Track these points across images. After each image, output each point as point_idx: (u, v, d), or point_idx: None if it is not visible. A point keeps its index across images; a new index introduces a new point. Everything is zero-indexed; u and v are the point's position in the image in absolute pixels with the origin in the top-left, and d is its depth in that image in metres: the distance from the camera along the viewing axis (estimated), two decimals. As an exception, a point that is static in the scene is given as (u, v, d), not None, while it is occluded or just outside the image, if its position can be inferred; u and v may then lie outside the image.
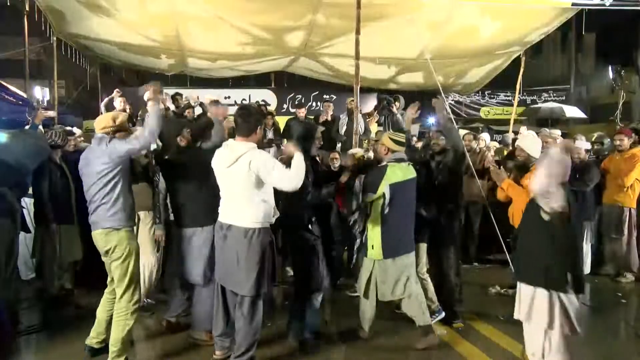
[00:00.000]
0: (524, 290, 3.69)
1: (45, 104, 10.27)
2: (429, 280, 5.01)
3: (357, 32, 7.17)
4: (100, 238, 3.99)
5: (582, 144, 6.67)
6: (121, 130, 4.07)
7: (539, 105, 15.99)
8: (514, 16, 8.45)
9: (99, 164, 3.94)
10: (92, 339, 4.24)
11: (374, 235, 4.46)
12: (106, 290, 4.26)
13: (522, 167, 5.02)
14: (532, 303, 3.61)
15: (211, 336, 4.38)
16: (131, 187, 4.16)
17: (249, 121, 3.94)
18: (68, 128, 6.96)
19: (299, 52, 10.25)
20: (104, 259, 4.11)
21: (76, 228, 5.77)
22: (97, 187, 3.96)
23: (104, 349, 4.15)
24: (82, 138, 6.88)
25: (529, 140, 5.12)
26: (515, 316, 3.75)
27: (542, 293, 3.56)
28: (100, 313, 4.23)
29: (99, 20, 8.51)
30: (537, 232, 3.64)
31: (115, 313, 4.02)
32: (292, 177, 3.76)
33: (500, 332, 4.90)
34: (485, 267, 7.09)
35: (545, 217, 3.52)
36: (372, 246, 4.48)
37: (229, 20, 8.47)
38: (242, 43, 9.52)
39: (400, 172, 4.42)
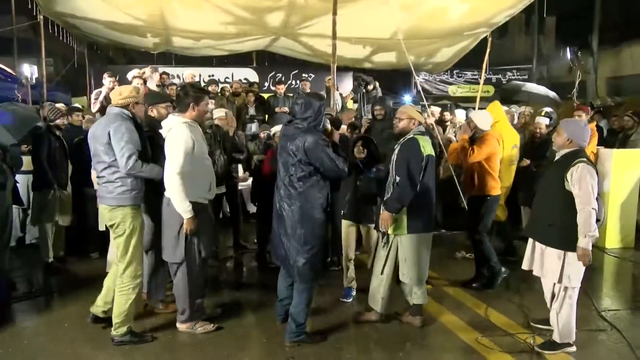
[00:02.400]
0: (537, 248, 3.86)
1: (34, 81, 9.95)
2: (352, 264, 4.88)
3: (334, 12, 7.09)
4: (105, 212, 3.85)
5: (543, 120, 6.72)
6: (139, 103, 3.92)
7: (523, 83, 15.89)
8: (482, -1, 8.43)
9: (104, 145, 3.71)
10: (98, 307, 4.06)
11: None
12: (116, 261, 4.02)
13: (471, 138, 5.12)
14: (542, 260, 3.80)
15: (167, 305, 4.44)
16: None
17: (184, 99, 3.88)
18: (75, 105, 7.00)
19: (279, 32, 10.11)
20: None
21: (69, 195, 5.84)
22: (104, 164, 3.77)
23: (106, 319, 4.02)
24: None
25: (479, 114, 5.30)
26: (524, 267, 3.98)
27: (554, 252, 3.72)
28: (108, 282, 4.03)
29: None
30: (556, 197, 3.74)
31: (117, 287, 3.84)
32: (168, 173, 3.72)
33: (465, 293, 5.01)
34: (452, 234, 7.19)
35: (570, 187, 3.62)
36: (396, 220, 3.97)
37: (212, 0, 8.28)
38: (225, 23, 9.34)
39: (428, 145, 3.96)
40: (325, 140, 3.67)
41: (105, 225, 4.06)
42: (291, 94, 9.51)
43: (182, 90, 4.03)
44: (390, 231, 4.00)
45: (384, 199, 4.06)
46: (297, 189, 3.66)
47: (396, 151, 4.03)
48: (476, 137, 5.05)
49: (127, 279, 3.82)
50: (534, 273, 3.92)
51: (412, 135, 4.00)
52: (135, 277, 3.84)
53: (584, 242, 3.55)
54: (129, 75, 7.82)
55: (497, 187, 5.08)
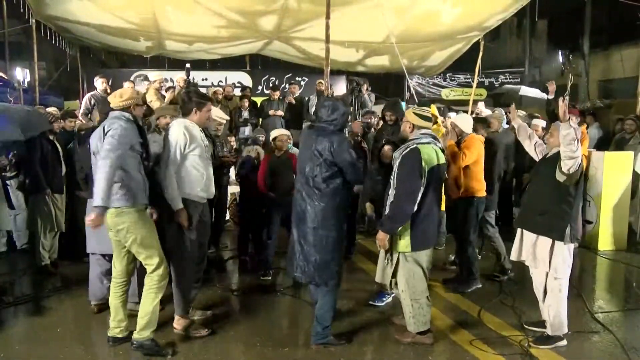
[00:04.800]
0: (527, 239, 3.98)
1: (26, 85, 9.90)
2: None
3: (327, 16, 7.10)
4: (110, 218, 3.61)
5: (540, 122, 6.78)
6: (140, 104, 3.90)
7: (519, 86, 15.86)
8: (474, 3, 8.48)
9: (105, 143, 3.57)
10: (114, 329, 3.91)
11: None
12: (112, 277, 3.92)
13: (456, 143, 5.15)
14: (534, 251, 3.91)
15: None
16: (141, 167, 3.73)
17: (187, 103, 4.00)
18: (71, 109, 7.00)
19: (272, 35, 10.11)
20: (112, 237, 3.79)
21: (64, 198, 5.79)
22: None
23: (127, 337, 3.88)
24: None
25: (462, 118, 5.33)
26: (512, 258, 4.14)
27: (544, 242, 3.85)
28: (113, 300, 3.89)
29: (77, 3, 8.22)
30: (547, 189, 3.87)
31: (147, 287, 3.75)
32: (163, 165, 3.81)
33: (459, 296, 5.01)
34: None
35: (561, 177, 3.74)
36: (400, 237, 3.78)
37: (204, 3, 8.28)
38: (218, 26, 9.35)
39: (432, 154, 3.74)
40: (350, 143, 3.80)
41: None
42: (281, 97, 9.49)
43: (186, 95, 4.07)
44: (394, 249, 3.84)
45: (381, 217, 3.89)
46: (321, 189, 3.67)
47: (397, 163, 3.83)
48: (462, 141, 5.08)
49: (157, 277, 3.74)
50: (526, 263, 4.03)
51: (414, 146, 3.76)
52: (164, 277, 3.77)
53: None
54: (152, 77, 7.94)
55: (483, 188, 5.10)
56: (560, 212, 3.79)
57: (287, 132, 5.67)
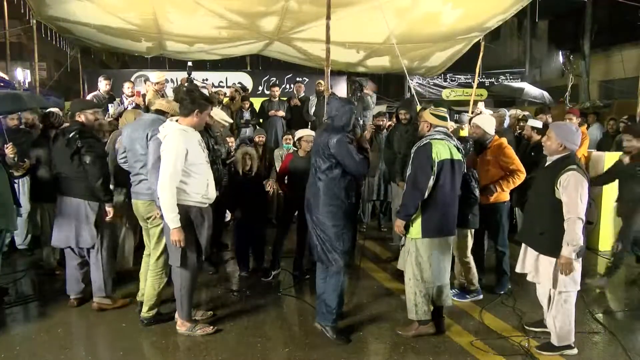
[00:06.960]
0: (529, 253, 3.91)
1: (27, 85, 9.93)
2: (472, 261, 4.83)
3: (328, 17, 7.09)
4: (142, 207, 4.30)
5: (536, 123, 6.75)
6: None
7: (523, 86, 15.82)
8: (475, 3, 8.47)
9: (144, 146, 4.17)
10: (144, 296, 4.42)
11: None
12: (145, 253, 4.53)
13: (477, 143, 5.04)
14: (537, 266, 3.82)
15: (115, 300, 4.64)
16: None
17: (189, 104, 3.84)
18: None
19: (272, 36, 10.11)
20: (142, 224, 4.46)
21: None
22: (141, 163, 4.21)
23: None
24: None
25: (484, 118, 5.11)
26: (517, 270, 4.05)
27: (547, 259, 3.73)
28: (144, 274, 4.44)
29: (78, 3, 8.22)
30: (547, 206, 3.70)
31: (151, 272, 4.25)
32: (160, 182, 3.75)
33: (464, 300, 4.99)
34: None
35: (560, 195, 3.58)
36: (412, 224, 3.98)
37: (205, 4, 8.28)
38: (218, 27, 9.35)
39: (444, 149, 3.90)
40: (349, 139, 3.93)
41: None
42: (285, 98, 9.51)
43: (189, 95, 3.89)
44: (408, 235, 4.05)
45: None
46: (321, 179, 3.95)
47: (412, 156, 4.06)
48: (487, 145, 4.91)
49: (162, 264, 4.24)
50: (529, 279, 3.94)
51: (427, 141, 3.96)
52: (166, 265, 4.21)
53: (567, 250, 3.51)
54: (153, 77, 7.93)
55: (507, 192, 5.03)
56: (561, 232, 3.57)
57: (313, 132, 5.45)
